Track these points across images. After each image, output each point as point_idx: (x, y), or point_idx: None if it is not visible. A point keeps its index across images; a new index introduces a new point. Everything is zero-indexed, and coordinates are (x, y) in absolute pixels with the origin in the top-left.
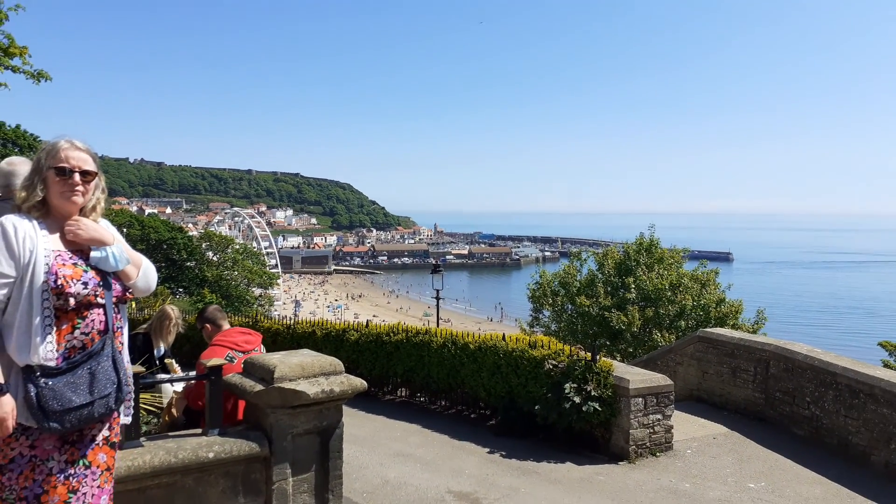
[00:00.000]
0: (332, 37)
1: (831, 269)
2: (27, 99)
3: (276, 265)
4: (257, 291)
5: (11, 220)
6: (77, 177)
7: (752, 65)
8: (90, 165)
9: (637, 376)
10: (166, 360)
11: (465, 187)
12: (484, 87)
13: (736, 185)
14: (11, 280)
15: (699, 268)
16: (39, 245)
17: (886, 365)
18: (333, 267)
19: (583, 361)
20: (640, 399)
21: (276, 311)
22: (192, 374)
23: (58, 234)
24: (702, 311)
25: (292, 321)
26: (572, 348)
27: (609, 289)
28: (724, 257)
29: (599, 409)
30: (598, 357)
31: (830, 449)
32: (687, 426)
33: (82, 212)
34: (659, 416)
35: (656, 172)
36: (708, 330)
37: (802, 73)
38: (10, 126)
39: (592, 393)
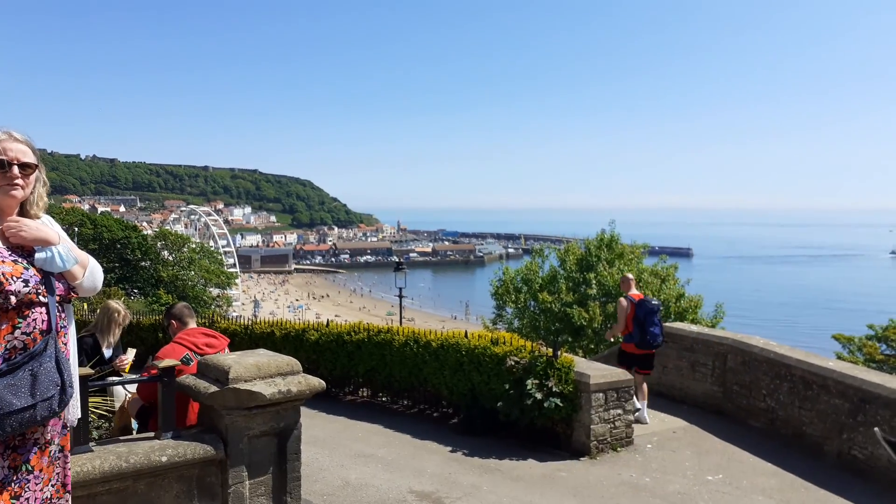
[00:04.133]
0: (291, 33)
1: (789, 264)
2: None
3: (235, 264)
4: (215, 292)
5: None
6: (16, 169)
7: (717, 64)
8: (29, 157)
9: (598, 371)
10: (124, 355)
11: (429, 185)
12: (449, 86)
13: (694, 180)
14: None
15: (659, 263)
16: None
17: (839, 357)
18: (294, 266)
19: (544, 357)
20: (601, 394)
21: (234, 311)
22: (144, 376)
23: None
24: (662, 306)
25: (250, 322)
26: (534, 344)
27: (571, 285)
28: (685, 253)
29: (561, 404)
30: (559, 353)
31: (786, 440)
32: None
33: (23, 206)
34: (619, 411)
35: (616, 168)
36: (667, 325)
37: (767, 73)
38: None
39: (554, 389)
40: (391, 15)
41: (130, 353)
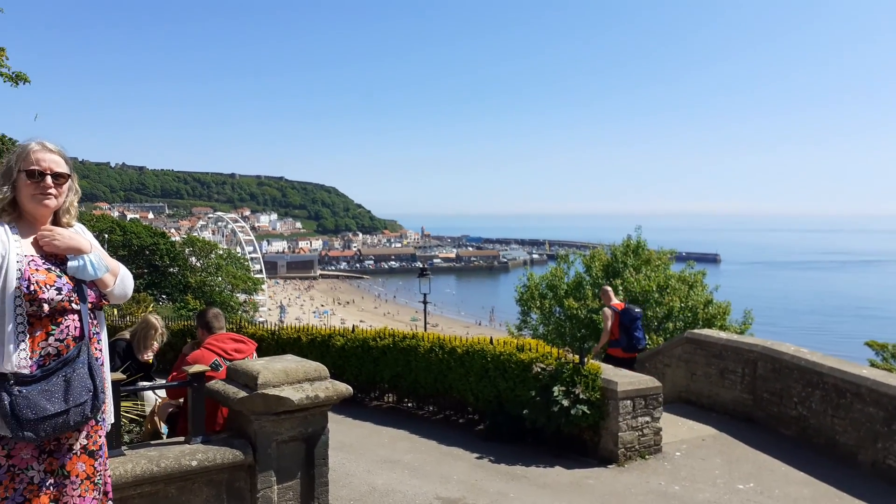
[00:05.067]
0: (317, 42)
1: (818, 270)
2: (3, 101)
3: (261, 270)
4: (242, 297)
5: None
6: (49, 179)
7: (743, 70)
8: (62, 167)
9: (625, 378)
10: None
11: (453, 191)
12: (473, 93)
13: (720, 186)
14: None
15: (686, 269)
16: (12, 250)
17: (873, 364)
18: (319, 272)
19: (571, 364)
20: (629, 401)
21: (261, 316)
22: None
23: (30, 239)
24: (689, 312)
25: (277, 327)
26: (560, 351)
27: (596, 291)
28: (712, 258)
29: (588, 411)
30: (586, 359)
31: (818, 449)
32: (676, 428)
33: (56, 215)
34: (647, 419)
35: (642, 174)
36: (696, 331)
37: (792, 78)
38: None
39: (581, 396)
40: (415, 22)
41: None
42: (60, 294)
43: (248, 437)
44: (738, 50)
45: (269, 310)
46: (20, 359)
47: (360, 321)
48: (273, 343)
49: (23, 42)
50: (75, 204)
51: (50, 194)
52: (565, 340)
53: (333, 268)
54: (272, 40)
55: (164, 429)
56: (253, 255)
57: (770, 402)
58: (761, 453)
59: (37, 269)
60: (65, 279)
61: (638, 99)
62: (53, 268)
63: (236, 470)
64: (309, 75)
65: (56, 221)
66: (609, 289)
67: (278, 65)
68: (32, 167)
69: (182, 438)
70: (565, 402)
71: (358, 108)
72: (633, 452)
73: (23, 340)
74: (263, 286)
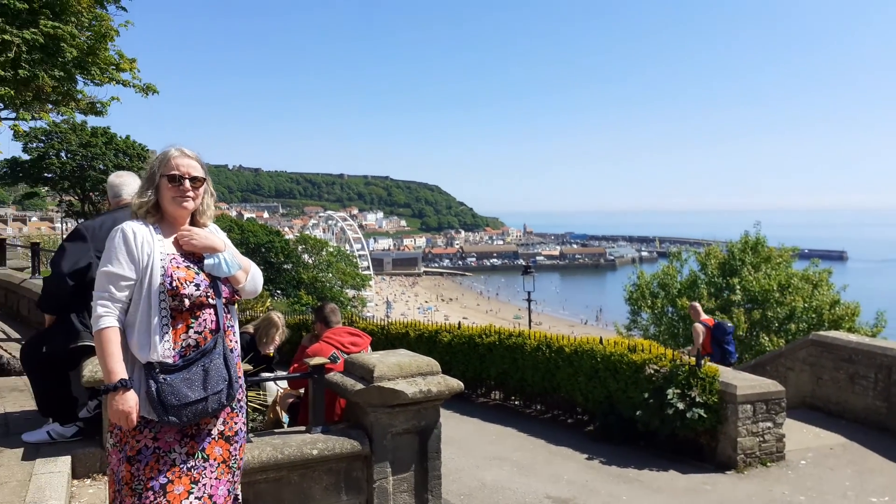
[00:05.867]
0: (423, 43)
1: None
2: (134, 110)
3: (368, 267)
4: (350, 293)
5: (131, 226)
6: (187, 183)
7: (872, 49)
8: (198, 171)
9: (745, 382)
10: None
11: (556, 187)
12: (578, 86)
13: (849, 177)
14: (132, 282)
15: (810, 267)
16: (156, 249)
17: None
18: (423, 269)
19: (686, 366)
20: (749, 406)
21: (368, 312)
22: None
23: (171, 239)
24: (814, 313)
25: (386, 322)
26: (675, 352)
27: (712, 290)
28: (838, 256)
29: (705, 415)
30: (702, 361)
31: None
32: (800, 435)
33: (194, 216)
34: (769, 424)
35: (758, 167)
36: (822, 333)
37: None
38: (121, 137)
39: (697, 399)
40: (516, 17)
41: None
42: (199, 290)
43: (365, 428)
44: (855, 35)
45: (376, 305)
46: (164, 349)
47: (463, 318)
48: (382, 338)
49: (147, 52)
50: (211, 206)
51: (188, 197)
52: (678, 342)
53: (436, 265)
54: (377, 43)
55: (285, 418)
56: (361, 253)
57: None
58: None
59: (178, 267)
60: (202, 276)
61: (754, 88)
62: (192, 265)
63: (354, 460)
64: (414, 75)
65: (193, 222)
66: (697, 304)
67: (386, 66)
68: (172, 172)
69: (303, 428)
70: (680, 405)
71: (461, 106)
72: (753, 459)
73: (167, 332)
74: (371, 282)
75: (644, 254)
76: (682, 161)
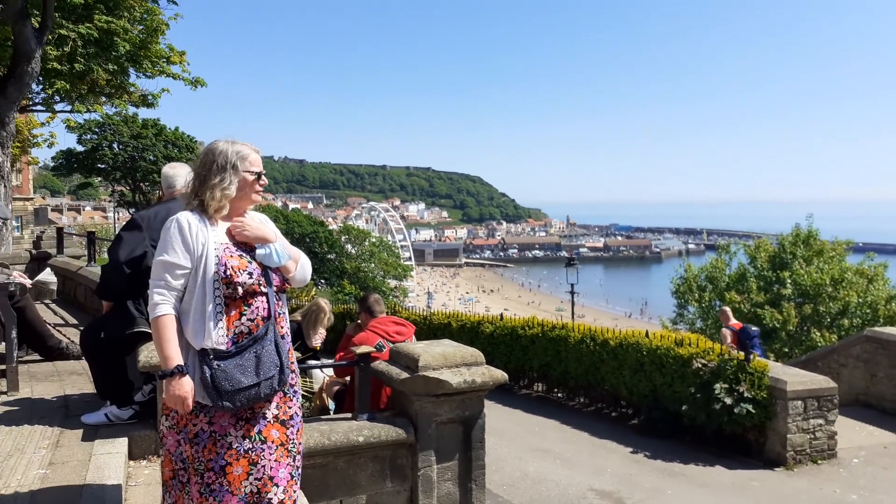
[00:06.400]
0: (463, 35)
1: None
2: (181, 101)
3: (410, 258)
4: (392, 283)
5: (185, 216)
6: (264, 179)
7: None
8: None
9: (795, 377)
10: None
11: (599, 178)
12: (619, 81)
13: None
14: (187, 271)
15: (865, 261)
16: (210, 238)
17: None
18: (464, 260)
19: (735, 361)
20: (800, 402)
21: (410, 302)
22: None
23: (224, 228)
24: (868, 308)
25: (428, 313)
26: (723, 347)
27: (762, 284)
28: (894, 249)
29: (753, 411)
30: (751, 356)
31: None
32: (853, 433)
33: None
34: (821, 421)
35: (813, 156)
36: (877, 329)
37: None
38: (170, 129)
39: (745, 394)
40: (559, 13)
41: (321, 333)
42: (251, 278)
43: (410, 416)
44: None
45: (418, 296)
46: (218, 336)
47: (505, 309)
48: (425, 328)
49: (195, 45)
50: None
51: (259, 192)
52: None
53: (478, 256)
54: (420, 38)
55: (331, 405)
56: (402, 243)
57: None
58: None
59: (231, 256)
60: (254, 265)
61: (806, 77)
62: (244, 254)
63: (399, 447)
64: (458, 67)
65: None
66: (728, 309)
67: (429, 59)
68: (256, 168)
69: (349, 415)
70: (728, 400)
71: (503, 97)
72: (803, 456)
73: (220, 319)
74: (412, 273)
75: (691, 246)
76: (732, 152)
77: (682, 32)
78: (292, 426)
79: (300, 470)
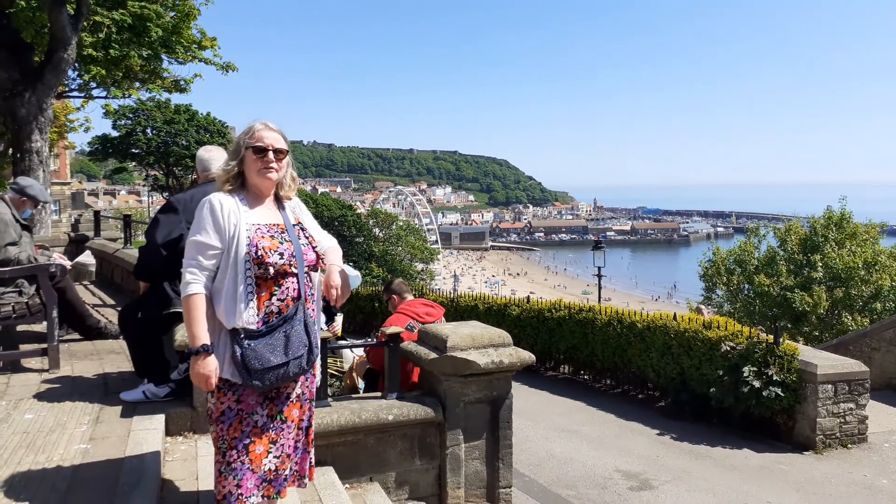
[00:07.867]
0: (488, 16)
1: None
2: (213, 86)
3: (437, 241)
4: (419, 266)
5: (217, 198)
6: (271, 154)
7: None
8: (282, 144)
9: (826, 361)
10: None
11: (627, 160)
12: (649, 59)
13: None
14: (219, 251)
15: None
16: (242, 219)
17: None
18: (490, 243)
19: (764, 344)
20: (830, 386)
21: (436, 284)
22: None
23: (257, 209)
24: None
25: (455, 295)
26: (752, 329)
27: (792, 267)
28: None
29: (782, 394)
30: (781, 339)
31: None
32: (885, 417)
33: (278, 187)
34: (851, 405)
35: (848, 137)
36: None
37: None
38: (202, 114)
39: (774, 377)
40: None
41: (339, 319)
42: (283, 258)
43: (438, 396)
44: None
45: (444, 279)
46: (249, 316)
47: (531, 292)
48: (452, 310)
49: (226, 30)
50: (295, 177)
51: (272, 168)
52: (754, 319)
53: (504, 239)
54: (449, 18)
55: (361, 384)
56: (429, 227)
57: None
58: None
59: (263, 236)
60: (286, 245)
61: (841, 57)
62: (276, 235)
63: (427, 426)
64: (483, 50)
65: (275, 194)
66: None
67: (454, 41)
68: (258, 143)
69: (378, 394)
70: (756, 384)
71: (530, 79)
72: (832, 440)
73: (251, 300)
74: (439, 256)
75: (720, 229)
76: (762, 134)
77: (715, 11)
78: (306, 401)
79: (311, 444)
